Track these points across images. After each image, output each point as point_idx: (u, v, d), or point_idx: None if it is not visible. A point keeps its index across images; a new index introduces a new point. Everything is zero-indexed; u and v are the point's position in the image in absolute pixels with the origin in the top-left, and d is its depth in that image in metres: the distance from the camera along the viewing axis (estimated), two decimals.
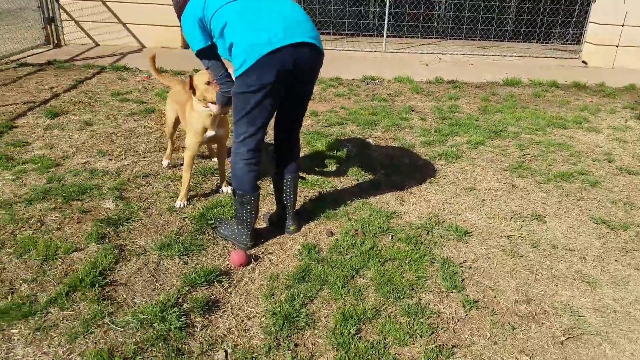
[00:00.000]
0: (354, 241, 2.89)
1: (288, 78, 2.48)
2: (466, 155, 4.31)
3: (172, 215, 3.11)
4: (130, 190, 3.38)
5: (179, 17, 2.61)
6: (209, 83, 2.85)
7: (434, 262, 2.76)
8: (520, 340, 2.25)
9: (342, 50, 8.47)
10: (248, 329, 2.23)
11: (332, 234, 3.00)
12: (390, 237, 2.99)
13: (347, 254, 2.78)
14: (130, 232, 2.90)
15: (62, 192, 3.25)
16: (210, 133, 3.08)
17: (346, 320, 2.27)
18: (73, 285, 2.38)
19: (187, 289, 2.44)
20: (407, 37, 9.73)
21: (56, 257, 2.62)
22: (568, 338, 2.28)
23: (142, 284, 2.48)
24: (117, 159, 3.85)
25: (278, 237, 2.96)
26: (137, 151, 4.03)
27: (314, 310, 2.35)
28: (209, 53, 2.56)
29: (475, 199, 3.54)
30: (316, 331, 2.23)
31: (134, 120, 4.70)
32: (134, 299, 2.36)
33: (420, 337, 2.22)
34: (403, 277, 2.61)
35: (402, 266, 2.70)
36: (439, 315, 2.37)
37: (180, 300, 2.36)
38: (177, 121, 3.53)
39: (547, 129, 5.08)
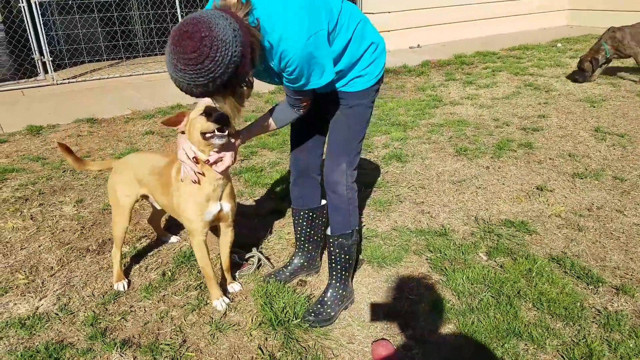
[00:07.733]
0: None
1: None
2: (407, 151, 4.14)
3: (231, 322, 2.03)
4: (133, 314, 2.07)
5: (215, 91, 1.44)
6: (212, 133, 1.81)
7: (556, 263, 2.52)
8: None
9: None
10: None
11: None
12: (481, 256, 2.61)
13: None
14: None
15: None
16: (214, 207, 2.03)
17: None
18: None
19: None
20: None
21: None
22: None
23: None
24: (35, 290, 2.34)
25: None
26: (50, 267, 2.54)
27: None
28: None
29: (478, 189, 3.39)
30: None
31: None
32: None
33: None
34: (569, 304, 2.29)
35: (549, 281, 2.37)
36: None
37: None
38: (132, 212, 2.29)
39: (427, 111, 5.30)
